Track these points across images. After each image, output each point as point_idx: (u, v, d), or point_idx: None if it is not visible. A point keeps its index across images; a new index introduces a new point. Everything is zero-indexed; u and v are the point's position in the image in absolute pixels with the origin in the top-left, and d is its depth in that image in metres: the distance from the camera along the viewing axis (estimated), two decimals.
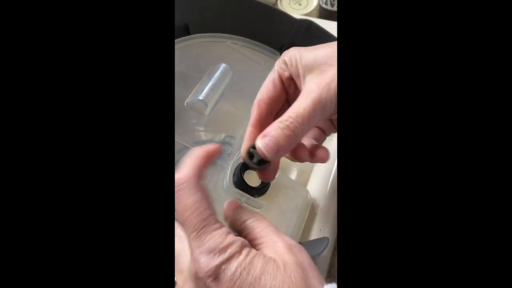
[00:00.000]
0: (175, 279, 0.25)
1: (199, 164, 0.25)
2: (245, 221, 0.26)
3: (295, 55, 0.30)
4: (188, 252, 0.24)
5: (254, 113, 0.31)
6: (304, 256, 0.23)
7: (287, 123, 0.27)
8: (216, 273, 0.22)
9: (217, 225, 0.23)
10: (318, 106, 0.27)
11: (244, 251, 0.22)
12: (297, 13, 0.61)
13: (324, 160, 0.30)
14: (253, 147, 0.28)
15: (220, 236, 0.23)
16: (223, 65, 0.39)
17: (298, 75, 0.29)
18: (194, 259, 0.23)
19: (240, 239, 0.23)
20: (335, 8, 0.64)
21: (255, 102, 0.31)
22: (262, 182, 0.35)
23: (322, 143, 0.34)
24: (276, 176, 0.35)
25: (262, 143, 0.27)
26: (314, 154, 0.30)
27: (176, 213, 0.24)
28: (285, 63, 0.30)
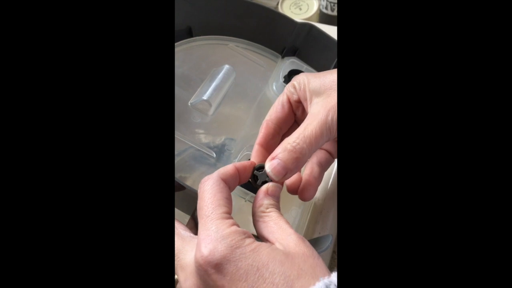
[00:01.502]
0: (177, 275, 0.26)
1: (228, 171, 0.27)
2: (269, 211, 0.26)
3: (303, 80, 0.32)
4: (189, 250, 0.25)
5: (262, 132, 0.32)
6: (313, 249, 0.24)
7: (294, 144, 0.28)
8: (219, 261, 0.22)
9: (225, 216, 0.24)
10: (324, 127, 0.28)
11: (247, 240, 0.23)
12: (297, 18, 0.61)
13: (305, 199, 0.31)
14: (257, 169, 0.29)
15: (223, 224, 0.23)
16: (226, 66, 0.40)
17: (306, 99, 0.31)
18: (197, 245, 0.23)
19: (244, 231, 0.24)
20: (335, 13, 0.65)
21: (264, 121, 0.33)
22: (265, 181, 0.35)
23: (329, 166, 0.35)
24: None
25: (270, 167, 0.28)
26: (302, 192, 0.31)
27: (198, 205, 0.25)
28: (294, 87, 0.32)
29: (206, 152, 0.36)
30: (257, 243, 0.23)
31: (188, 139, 0.36)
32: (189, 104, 0.38)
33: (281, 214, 0.26)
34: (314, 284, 0.21)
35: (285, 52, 0.47)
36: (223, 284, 0.22)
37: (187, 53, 0.43)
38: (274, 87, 0.43)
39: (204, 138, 0.39)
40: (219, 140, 0.39)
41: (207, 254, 0.22)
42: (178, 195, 0.29)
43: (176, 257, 0.25)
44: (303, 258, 0.22)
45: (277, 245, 0.24)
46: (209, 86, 0.38)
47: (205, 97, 0.37)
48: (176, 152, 0.35)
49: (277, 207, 0.27)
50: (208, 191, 0.25)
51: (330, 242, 0.30)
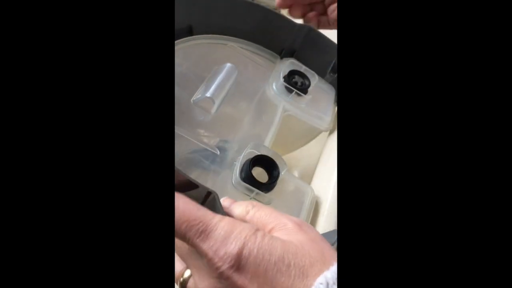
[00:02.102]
0: (191, 273, 0.25)
1: None
2: (247, 212, 0.26)
3: None
4: None
5: None
6: (314, 232, 0.24)
7: None
8: (238, 261, 0.21)
9: (218, 218, 0.23)
10: None
11: (259, 234, 0.22)
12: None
13: None
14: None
15: (228, 224, 0.23)
16: (228, 64, 0.40)
17: None
18: (211, 259, 0.22)
19: (249, 224, 0.23)
20: None
21: None
22: (269, 178, 0.35)
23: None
24: (282, 173, 0.35)
25: None
26: None
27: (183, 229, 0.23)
28: None
29: (212, 150, 0.35)
30: (269, 235, 0.23)
31: (192, 137, 0.35)
32: (191, 101, 0.37)
33: (258, 203, 0.26)
34: (328, 269, 0.21)
35: (283, 53, 0.48)
36: (244, 284, 0.21)
37: (186, 52, 0.43)
38: (274, 87, 0.43)
39: (205, 138, 0.38)
40: (214, 142, 0.38)
41: (225, 257, 0.22)
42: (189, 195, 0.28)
43: (189, 257, 0.25)
44: (310, 244, 0.22)
45: (278, 234, 0.24)
46: (212, 83, 0.38)
47: (208, 94, 0.36)
48: None
49: (248, 204, 0.26)
50: (177, 211, 0.23)
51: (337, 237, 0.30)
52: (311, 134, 0.47)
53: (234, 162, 0.35)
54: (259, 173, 0.35)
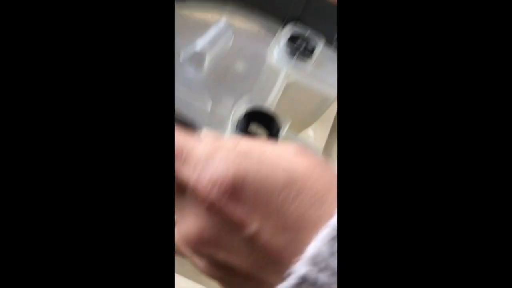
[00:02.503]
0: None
1: None
2: (236, 141, 0.20)
3: None
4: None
5: None
6: (319, 157, 0.20)
7: None
8: (230, 188, 0.17)
9: (198, 139, 0.19)
10: None
11: (254, 155, 0.18)
12: None
13: None
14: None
15: (211, 144, 0.18)
16: (222, 19, 0.36)
17: None
18: (194, 187, 0.17)
19: (240, 145, 0.19)
20: None
21: None
22: (269, 136, 0.30)
23: None
24: (285, 129, 0.31)
25: None
26: None
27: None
28: None
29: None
30: (267, 158, 0.18)
31: (181, 95, 0.32)
32: (180, 59, 0.34)
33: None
34: None
35: (285, 22, 0.44)
36: (242, 216, 0.17)
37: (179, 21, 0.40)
38: (275, 52, 0.39)
39: (197, 100, 0.34)
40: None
41: (210, 183, 0.17)
42: None
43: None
44: (319, 168, 0.18)
45: (286, 161, 0.19)
46: (203, 39, 0.34)
47: (198, 49, 0.33)
48: None
49: (236, 137, 0.22)
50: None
51: None
52: (320, 104, 0.42)
53: (226, 120, 0.31)
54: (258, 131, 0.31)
